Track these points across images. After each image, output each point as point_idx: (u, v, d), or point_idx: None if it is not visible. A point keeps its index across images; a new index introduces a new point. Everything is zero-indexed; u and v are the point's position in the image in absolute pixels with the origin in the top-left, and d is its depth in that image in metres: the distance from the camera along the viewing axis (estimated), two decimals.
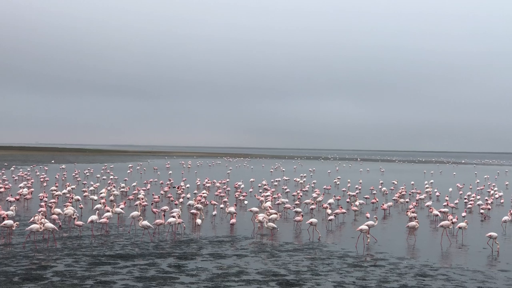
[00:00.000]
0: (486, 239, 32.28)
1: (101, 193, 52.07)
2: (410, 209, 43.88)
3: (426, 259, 28.09)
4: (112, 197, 49.79)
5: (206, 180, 72.56)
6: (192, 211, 39.87)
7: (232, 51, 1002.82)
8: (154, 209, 41.69)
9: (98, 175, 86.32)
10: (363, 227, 32.35)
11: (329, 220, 39.75)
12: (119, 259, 26.46)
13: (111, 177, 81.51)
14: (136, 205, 42.52)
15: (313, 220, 35.15)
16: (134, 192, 55.65)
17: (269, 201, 48.07)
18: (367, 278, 23.72)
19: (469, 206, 50.72)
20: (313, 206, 46.44)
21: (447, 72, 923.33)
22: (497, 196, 60.21)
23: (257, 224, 35.79)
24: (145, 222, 33.13)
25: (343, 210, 42.40)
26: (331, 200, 49.00)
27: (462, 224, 34.64)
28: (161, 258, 26.81)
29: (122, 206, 42.36)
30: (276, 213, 37.88)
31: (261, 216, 35.95)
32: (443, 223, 34.56)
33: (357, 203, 48.19)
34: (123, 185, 63.96)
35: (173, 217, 35.27)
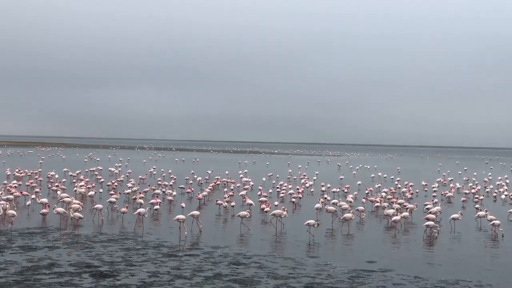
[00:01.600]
0: (299, 227, 33.34)
1: None
2: (225, 198, 44.58)
3: (240, 248, 28.63)
4: None
5: (17, 170, 69.88)
6: (2, 202, 38.16)
7: (33, 36, 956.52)
8: None
9: None
10: (180, 216, 32.52)
11: (155, 209, 39.70)
12: None
13: None
14: None
15: (141, 210, 35.30)
16: None
17: (83, 190, 47.36)
18: (182, 267, 23.81)
19: (282, 195, 52.19)
20: (138, 196, 45.82)
21: (269, 62, 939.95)
22: (307, 185, 62.35)
23: (69, 215, 34.87)
24: None
25: (159, 200, 42.27)
26: (158, 191, 48.90)
27: (284, 213, 35.49)
28: None
29: None
30: (79, 204, 37.29)
31: (60, 209, 35.16)
32: (275, 212, 35.29)
33: (170, 191, 48.44)
34: None
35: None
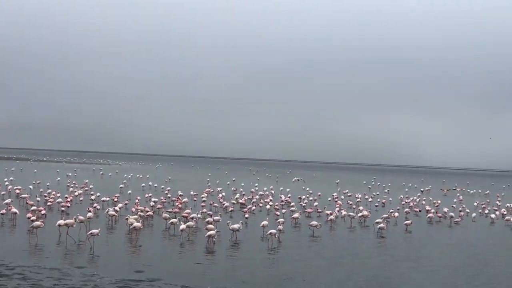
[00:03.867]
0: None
1: None
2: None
3: (3, 259, 27.42)
4: None
5: None
6: None
7: None
8: None
9: None
10: None
11: None
12: None
13: None
14: None
15: None
16: None
17: None
18: None
19: (49, 203, 50.68)
20: None
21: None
22: (76, 193, 61.20)
23: None
24: None
25: None
26: None
27: (70, 221, 34.71)
28: None
29: None
30: None
31: None
32: (67, 221, 34.42)
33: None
34: None
35: None
